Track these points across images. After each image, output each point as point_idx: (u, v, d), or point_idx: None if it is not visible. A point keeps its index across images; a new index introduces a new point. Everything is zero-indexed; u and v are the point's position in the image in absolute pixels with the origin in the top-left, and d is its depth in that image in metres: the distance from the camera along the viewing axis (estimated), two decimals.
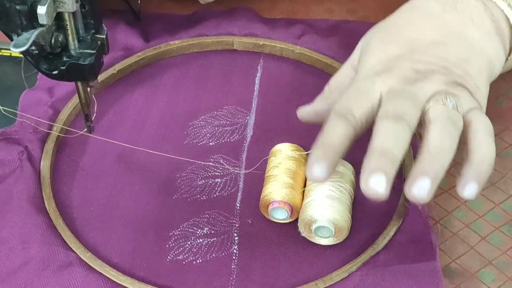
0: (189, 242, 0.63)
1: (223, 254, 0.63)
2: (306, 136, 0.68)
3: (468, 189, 0.54)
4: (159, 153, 0.69)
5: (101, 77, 0.76)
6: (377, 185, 0.52)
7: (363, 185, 0.52)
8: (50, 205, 0.65)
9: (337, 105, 0.58)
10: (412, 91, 0.58)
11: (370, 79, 0.60)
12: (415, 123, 0.55)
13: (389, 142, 0.54)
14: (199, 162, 0.69)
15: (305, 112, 0.67)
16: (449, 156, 0.54)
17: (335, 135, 0.56)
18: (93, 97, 0.65)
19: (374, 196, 0.52)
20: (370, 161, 0.53)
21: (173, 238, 0.64)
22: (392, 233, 0.63)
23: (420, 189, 0.52)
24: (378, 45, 0.64)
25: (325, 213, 0.61)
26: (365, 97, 0.59)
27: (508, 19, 0.65)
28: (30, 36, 0.52)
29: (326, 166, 0.54)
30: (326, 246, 0.63)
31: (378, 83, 0.59)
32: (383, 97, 0.58)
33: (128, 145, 0.69)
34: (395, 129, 0.54)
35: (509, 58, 0.67)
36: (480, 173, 0.54)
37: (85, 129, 0.67)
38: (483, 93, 0.61)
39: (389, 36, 0.64)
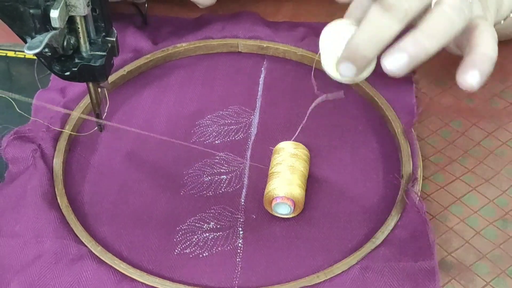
0: (195, 236, 0.64)
1: (229, 247, 0.64)
2: (308, 135, 0.70)
3: (470, 75, 0.52)
4: (171, 139, 0.68)
5: (111, 78, 0.77)
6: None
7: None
8: (62, 201, 0.66)
9: None
10: None
11: None
12: (409, 16, 0.54)
13: (374, 29, 0.54)
14: (209, 151, 0.70)
15: None
16: (441, 40, 0.52)
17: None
18: (107, 97, 0.66)
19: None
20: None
21: (180, 232, 0.65)
22: (390, 227, 0.63)
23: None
24: None
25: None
26: None
27: None
28: (43, 38, 0.52)
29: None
30: (326, 240, 0.64)
31: None
32: None
33: (142, 131, 0.68)
34: (382, 18, 0.53)
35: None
36: (482, 62, 0.52)
37: (96, 128, 0.68)
38: (492, 15, 0.59)
39: None
